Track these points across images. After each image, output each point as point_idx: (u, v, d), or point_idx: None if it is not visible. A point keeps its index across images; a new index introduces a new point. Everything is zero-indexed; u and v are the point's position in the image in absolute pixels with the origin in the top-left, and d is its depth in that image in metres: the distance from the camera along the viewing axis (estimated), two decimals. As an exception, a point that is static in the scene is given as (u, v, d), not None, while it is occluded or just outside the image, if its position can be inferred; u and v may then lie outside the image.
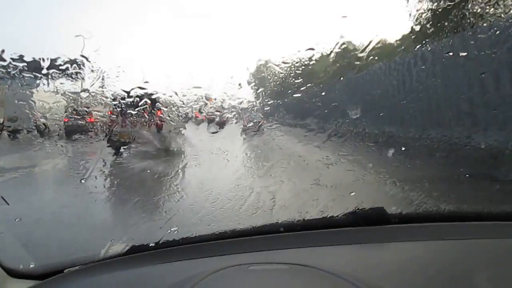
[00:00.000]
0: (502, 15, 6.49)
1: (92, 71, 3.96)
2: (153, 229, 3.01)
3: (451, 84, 6.81)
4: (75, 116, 7.43)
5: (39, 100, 5.40)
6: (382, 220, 1.60)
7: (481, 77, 6.15)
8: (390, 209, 1.64)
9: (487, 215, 1.71)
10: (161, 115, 7.45)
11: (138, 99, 5.32)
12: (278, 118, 9.85)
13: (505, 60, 5.81)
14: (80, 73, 4.22)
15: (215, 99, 6.92)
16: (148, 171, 6.14)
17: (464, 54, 6.27)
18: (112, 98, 5.45)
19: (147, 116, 7.33)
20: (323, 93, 9.29)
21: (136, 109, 5.74)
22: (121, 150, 7.53)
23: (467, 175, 4.27)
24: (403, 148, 5.94)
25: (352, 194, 3.14)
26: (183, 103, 6.20)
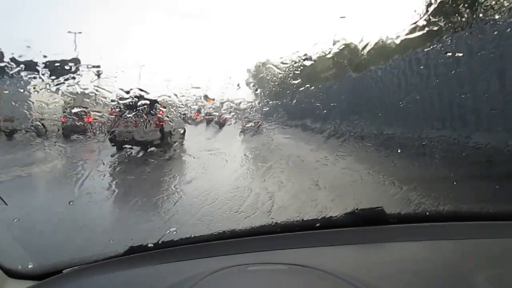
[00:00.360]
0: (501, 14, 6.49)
1: (90, 70, 3.95)
2: (152, 230, 3.01)
3: (450, 84, 6.83)
4: (73, 117, 7.42)
5: (37, 100, 5.39)
6: (381, 220, 1.60)
7: (480, 77, 6.16)
8: (389, 209, 1.64)
9: (486, 215, 1.71)
10: (161, 116, 7.46)
11: (137, 99, 5.32)
12: (277, 119, 9.85)
13: (505, 60, 5.82)
14: (77, 72, 4.22)
15: (213, 99, 6.93)
16: (147, 171, 6.13)
17: (461, 54, 6.29)
18: (111, 98, 5.45)
19: (145, 116, 7.33)
20: (322, 94, 9.31)
21: (136, 109, 5.74)
22: (122, 149, 7.54)
23: (466, 175, 4.28)
24: (401, 149, 5.95)
25: (350, 194, 3.14)
26: (182, 104, 6.21)
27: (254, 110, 8.87)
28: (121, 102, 5.44)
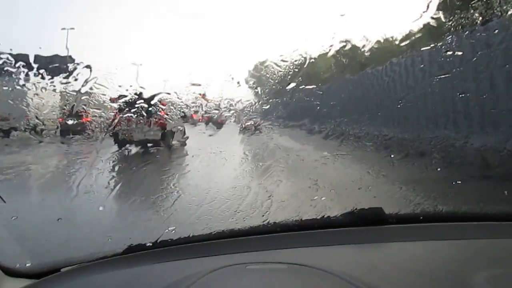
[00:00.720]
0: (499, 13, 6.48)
1: (89, 69, 3.92)
2: (151, 229, 3.00)
3: (450, 84, 6.82)
4: (71, 116, 7.41)
5: (34, 98, 5.36)
6: (380, 220, 1.60)
7: (480, 77, 6.16)
8: (388, 209, 1.64)
9: (485, 215, 1.71)
10: (162, 115, 7.47)
11: (137, 97, 5.31)
12: (277, 117, 9.84)
13: (505, 60, 5.81)
14: (76, 71, 4.19)
15: (212, 98, 6.91)
16: (146, 170, 6.12)
17: (460, 53, 6.28)
18: (110, 97, 5.44)
19: (147, 115, 7.34)
20: (322, 92, 9.29)
21: (137, 108, 5.73)
22: (123, 148, 7.55)
23: (465, 176, 4.28)
24: (400, 149, 5.95)
25: (350, 194, 3.14)
26: (182, 103, 6.19)
27: (254, 108, 8.86)
28: (121, 101, 5.43)
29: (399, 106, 8.26)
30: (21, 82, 4.35)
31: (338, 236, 1.58)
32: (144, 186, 5.05)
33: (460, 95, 6.64)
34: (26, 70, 4.05)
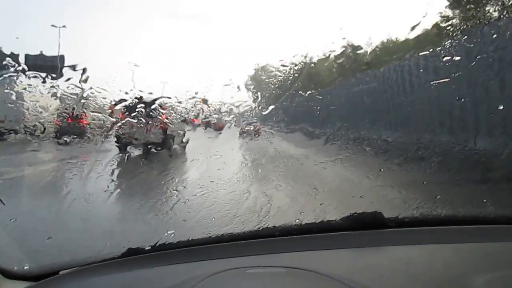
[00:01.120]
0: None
1: (85, 72, 3.92)
2: (150, 232, 3.00)
3: (449, 88, 6.84)
4: (68, 118, 7.43)
5: (30, 101, 5.35)
6: (379, 224, 1.60)
7: (479, 81, 6.18)
8: (387, 213, 1.64)
9: (484, 218, 1.71)
10: (164, 118, 7.49)
11: (137, 101, 5.32)
12: (276, 122, 9.87)
13: (505, 63, 5.83)
14: (75, 72, 4.18)
15: (212, 102, 6.93)
16: (146, 173, 6.12)
17: (458, 58, 6.31)
18: (110, 99, 5.45)
19: (148, 119, 7.35)
20: (321, 97, 9.32)
21: (137, 112, 5.74)
22: (124, 151, 7.56)
23: (464, 179, 4.29)
24: (400, 153, 5.96)
25: (349, 198, 3.14)
26: (182, 107, 6.20)
27: (254, 113, 8.87)
28: (122, 105, 5.45)
29: (398, 110, 8.29)
30: (17, 83, 4.33)
31: (337, 240, 1.58)
32: (144, 190, 5.04)
33: (459, 99, 6.66)
34: (21, 71, 4.03)
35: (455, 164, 5.10)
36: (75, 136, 6.97)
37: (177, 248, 1.57)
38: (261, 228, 1.71)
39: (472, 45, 6.19)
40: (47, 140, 7.06)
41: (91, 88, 4.27)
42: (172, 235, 1.94)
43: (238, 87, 6.11)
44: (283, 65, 5.99)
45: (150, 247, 1.54)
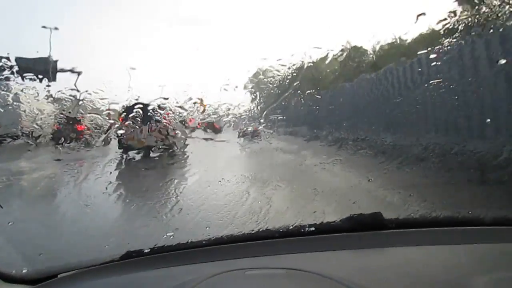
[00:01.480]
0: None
1: (78, 74, 3.90)
2: (149, 234, 2.99)
3: (447, 90, 6.85)
4: (66, 124, 7.44)
5: (26, 106, 5.33)
6: (379, 225, 1.59)
7: (477, 83, 6.18)
8: (387, 214, 1.64)
9: (483, 220, 1.71)
10: (162, 120, 7.50)
11: (137, 105, 5.32)
12: (275, 123, 9.87)
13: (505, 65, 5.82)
14: (75, 76, 4.18)
15: (211, 104, 6.93)
16: (145, 176, 6.11)
17: (457, 59, 6.32)
18: (108, 103, 5.45)
19: (146, 121, 7.36)
20: (320, 97, 9.31)
21: (134, 114, 5.74)
22: (121, 154, 7.57)
23: (463, 181, 4.29)
24: (399, 155, 5.96)
25: (349, 199, 3.14)
26: (180, 108, 6.20)
27: (253, 114, 8.88)
28: (120, 107, 5.45)
29: (397, 112, 8.29)
30: (12, 88, 4.30)
31: (337, 241, 1.58)
32: (143, 192, 5.03)
33: (458, 101, 6.66)
34: (17, 76, 4.00)
35: (455, 166, 5.10)
36: (74, 140, 6.97)
37: (176, 250, 1.57)
38: (260, 230, 1.70)
39: (469, 46, 6.20)
40: (44, 144, 7.06)
41: (86, 91, 4.26)
42: (171, 237, 1.93)
43: (236, 87, 6.10)
44: (281, 65, 5.99)
45: (149, 250, 1.53)
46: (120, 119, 6.25)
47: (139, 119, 7.09)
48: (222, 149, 7.73)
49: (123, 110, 5.81)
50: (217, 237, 1.62)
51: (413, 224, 1.74)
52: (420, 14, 4.97)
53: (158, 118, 7.29)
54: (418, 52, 7.41)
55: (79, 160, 6.51)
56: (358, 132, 7.87)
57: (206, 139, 11.01)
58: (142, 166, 7.89)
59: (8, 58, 4.00)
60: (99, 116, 5.56)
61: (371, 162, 5.95)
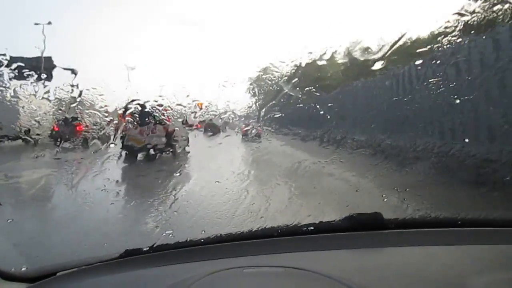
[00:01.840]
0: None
1: (74, 73, 3.88)
2: (148, 233, 2.99)
3: (447, 92, 6.85)
4: (65, 123, 7.43)
5: (26, 107, 5.31)
6: (379, 225, 1.60)
7: (477, 86, 6.18)
8: (386, 214, 1.64)
9: (483, 221, 1.71)
10: (163, 119, 7.50)
11: (137, 105, 5.31)
12: (275, 123, 9.85)
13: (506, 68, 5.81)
14: (72, 78, 4.14)
15: (210, 103, 6.92)
16: (144, 174, 6.11)
17: (462, 59, 6.29)
18: (107, 104, 5.44)
19: (146, 120, 7.35)
20: (321, 98, 9.30)
21: (134, 113, 5.73)
22: (121, 153, 7.57)
23: (463, 182, 4.29)
24: (398, 155, 5.96)
25: (348, 199, 3.14)
26: (181, 107, 6.18)
27: (252, 114, 8.88)
28: (121, 107, 5.44)
29: (396, 112, 8.29)
30: (12, 89, 4.26)
31: (336, 241, 1.58)
32: (142, 190, 5.04)
33: (458, 103, 6.66)
34: (16, 76, 3.97)
35: (454, 167, 5.11)
36: (73, 139, 6.96)
37: (175, 248, 1.57)
38: (259, 228, 1.70)
39: (470, 49, 6.20)
40: (44, 144, 7.05)
41: (80, 91, 4.22)
42: (170, 235, 1.93)
43: (234, 83, 6.08)
44: (281, 61, 5.97)
45: (148, 248, 1.53)
46: (120, 116, 6.24)
47: (138, 117, 7.08)
48: (220, 148, 7.72)
49: (122, 108, 5.80)
50: (216, 235, 1.62)
51: (413, 224, 1.74)
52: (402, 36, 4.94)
53: (157, 114, 7.29)
54: (417, 50, 7.39)
55: (78, 159, 6.50)
56: (357, 131, 7.87)
57: (205, 138, 11.02)
58: (141, 164, 7.89)
59: (4, 55, 3.97)
60: (98, 113, 5.54)
61: (370, 161, 5.95)
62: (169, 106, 6.52)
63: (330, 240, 1.59)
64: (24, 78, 4.20)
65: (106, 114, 5.78)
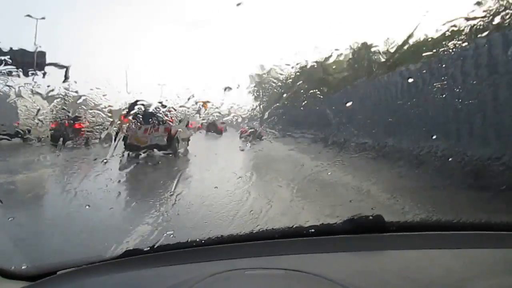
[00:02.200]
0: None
1: (67, 71, 3.87)
2: (148, 233, 2.99)
3: (451, 95, 6.83)
4: (65, 122, 7.44)
5: (23, 104, 5.30)
6: (380, 228, 1.59)
7: (482, 89, 6.16)
8: (387, 217, 1.64)
9: (485, 225, 1.71)
10: (166, 120, 7.51)
11: (139, 105, 5.31)
12: (278, 124, 9.84)
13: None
14: (70, 75, 4.13)
15: (213, 105, 6.92)
16: (145, 174, 6.11)
17: (460, 65, 6.29)
18: (108, 103, 5.44)
19: (150, 120, 7.36)
20: (322, 99, 9.30)
21: (138, 114, 5.74)
22: (123, 153, 7.59)
23: (465, 185, 4.28)
24: (400, 159, 5.95)
25: (349, 201, 3.13)
26: (184, 108, 6.19)
27: (255, 115, 8.87)
28: (124, 107, 5.45)
29: (398, 116, 8.28)
30: (9, 86, 4.23)
31: (337, 243, 1.58)
32: (143, 190, 5.04)
33: (461, 107, 6.64)
34: (13, 73, 3.93)
35: (456, 170, 5.09)
36: (74, 138, 6.97)
37: (176, 249, 1.56)
38: (260, 230, 1.70)
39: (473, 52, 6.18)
40: (44, 143, 7.06)
41: (79, 96, 4.22)
42: (171, 236, 1.93)
43: (238, 86, 6.08)
44: (286, 64, 5.97)
45: (148, 248, 1.53)
46: (122, 117, 6.25)
47: (141, 118, 7.10)
48: (223, 149, 7.74)
49: (125, 108, 5.81)
50: (218, 236, 1.62)
51: (414, 227, 1.74)
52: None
53: (160, 115, 7.30)
54: (423, 54, 7.39)
55: (80, 158, 6.50)
56: (360, 134, 7.85)
57: (207, 139, 11.02)
58: (143, 164, 7.89)
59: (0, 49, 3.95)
60: (101, 113, 5.55)
61: (373, 164, 5.94)
62: (172, 107, 6.53)
63: (332, 242, 1.58)
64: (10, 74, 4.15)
65: (110, 114, 5.79)
